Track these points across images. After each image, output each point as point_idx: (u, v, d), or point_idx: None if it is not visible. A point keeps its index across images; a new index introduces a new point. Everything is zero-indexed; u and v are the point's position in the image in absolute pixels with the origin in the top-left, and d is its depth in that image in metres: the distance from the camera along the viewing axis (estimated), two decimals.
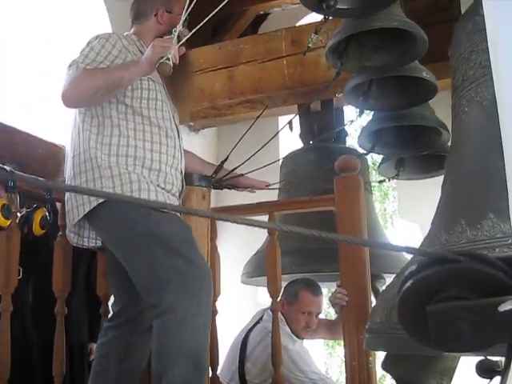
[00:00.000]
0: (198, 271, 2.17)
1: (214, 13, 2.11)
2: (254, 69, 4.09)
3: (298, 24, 5.68)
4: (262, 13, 6.22)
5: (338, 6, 2.52)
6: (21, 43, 4.28)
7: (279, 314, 3.01)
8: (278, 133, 2.88)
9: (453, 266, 0.69)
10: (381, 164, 3.93)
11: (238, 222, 0.79)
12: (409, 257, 4.00)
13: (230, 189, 2.89)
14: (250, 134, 2.88)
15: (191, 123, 4.60)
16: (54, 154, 3.82)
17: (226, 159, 2.73)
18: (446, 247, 1.91)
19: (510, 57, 1.36)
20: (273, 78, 4.00)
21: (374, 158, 7.65)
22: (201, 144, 5.31)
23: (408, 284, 0.71)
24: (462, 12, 3.14)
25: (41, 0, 4.42)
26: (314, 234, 0.76)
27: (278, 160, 3.77)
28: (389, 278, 4.01)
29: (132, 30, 2.68)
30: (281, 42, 4.05)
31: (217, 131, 6.16)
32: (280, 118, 5.41)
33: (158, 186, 2.33)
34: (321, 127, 4.30)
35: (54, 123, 4.11)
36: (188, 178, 2.58)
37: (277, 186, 3.66)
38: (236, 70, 4.15)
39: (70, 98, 2.31)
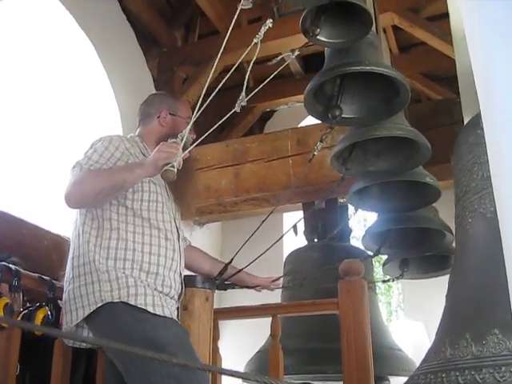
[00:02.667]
0: (195, 378, 2.13)
1: (222, 121, 2.16)
2: (259, 167, 4.16)
3: (303, 122, 5.83)
4: (268, 110, 6.41)
5: (343, 116, 2.59)
6: (32, 136, 4.38)
7: None
8: (282, 236, 2.89)
9: None
10: (385, 264, 3.92)
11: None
12: (414, 359, 3.96)
13: (233, 288, 2.88)
14: (254, 228, 2.87)
15: (196, 218, 4.64)
16: (58, 245, 3.82)
17: (230, 261, 2.72)
18: (452, 362, 1.89)
19: (509, 171, 1.40)
20: (278, 176, 4.06)
21: None
22: (205, 237, 5.34)
23: None
24: (464, 116, 3.23)
25: (53, 99, 4.54)
26: None
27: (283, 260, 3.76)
28: (393, 380, 3.94)
29: (137, 131, 2.73)
30: (286, 141, 4.14)
31: (221, 225, 6.22)
32: (285, 214, 5.45)
33: (155, 289, 2.31)
34: (325, 224, 4.33)
35: (59, 214, 4.15)
36: (191, 280, 2.57)
37: (280, 283, 3.65)
38: (242, 168, 4.22)
39: (74, 199, 2.32)
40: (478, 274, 2.03)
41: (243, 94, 2.09)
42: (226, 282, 2.73)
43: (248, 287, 2.84)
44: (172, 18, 5.79)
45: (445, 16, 3.94)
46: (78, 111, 4.68)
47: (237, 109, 2.09)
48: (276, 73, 2.27)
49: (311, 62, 5.66)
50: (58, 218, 4.21)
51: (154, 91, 5.30)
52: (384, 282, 3.97)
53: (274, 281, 2.91)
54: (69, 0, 4.65)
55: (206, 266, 2.83)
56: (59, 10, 4.62)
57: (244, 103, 2.10)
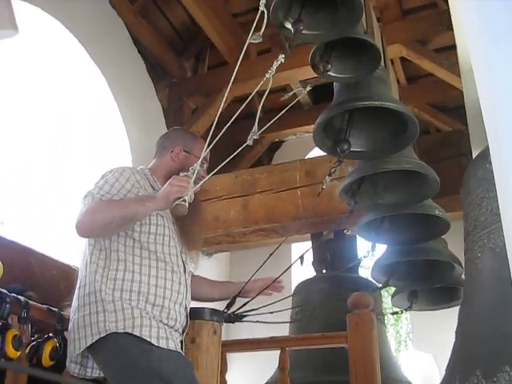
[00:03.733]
0: None
1: (233, 155, 2.17)
2: (268, 198, 4.17)
3: (311, 152, 5.85)
4: (277, 140, 6.44)
5: (351, 149, 2.60)
6: (42, 169, 4.42)
7: None
8: (290, 266, 2.88)
9: None
10: (393, 295, 3.90)
11: None
12: None
13: (241, 321, 2.87)
14: (263, 259, 2.88)
15: (204, 248, 4.64)
16: (67, 275, 3.83)
17: (238, 294, 2.71)
18: None
19: None
20: (287, 207, 4.07)
21: None
22: (213, 268, 5.33)
23: None
24: (472, 148, 3.23)
25: (63, 134, 4.59)
26: None
27: (290, 296, 3.74)
28: None
29: (151, 163, 2.75)
30: (295, 172, 4.15)
31: (229, 255, 6.22)
32: (293, 244, 5.45)
33: (160, 321, 2.31)
34: (333, 255, 4.33)
35: (69, 244, 4.17)
36: (199, 313, 2.56)
37: (289, 313, 3.64)
38: (251, 198, 4.23)
39: (84, 227, 2.33)
40: (488, 310, 2.02)
41: (255, 127, 2.10)
42: (236, 312, 2.72)
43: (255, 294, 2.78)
44: (182, 49, 5.87)
45: (452, 48, 3.98)
46: (89, 142, 4.72)
47: (249, 142, 2.10)
48: (288, 108, 2.30)
49: (320, 92, 5.68)
50: (66, 248, 4.22)
51: (163, 121, 5.36)
52: (393, 314, 3.95)
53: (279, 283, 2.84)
54: (81, 32, 4.73)
55: (205, 290, 2.82)
56: (71, 42, 4.69)
57: (256, 136, 2.12)
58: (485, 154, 2.38)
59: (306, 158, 5.73)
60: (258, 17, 1.95)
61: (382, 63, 2.72)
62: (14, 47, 4.08)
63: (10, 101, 4.20)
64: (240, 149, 2.12)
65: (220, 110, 2.22)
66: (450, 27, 4.14)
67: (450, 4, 3.29)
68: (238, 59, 2.07)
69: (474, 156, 3.07)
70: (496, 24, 1.56)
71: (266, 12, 1.98)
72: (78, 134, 4.66)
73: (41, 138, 4.42)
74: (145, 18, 5.36)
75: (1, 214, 4.21)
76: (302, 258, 2.95)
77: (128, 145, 4.92)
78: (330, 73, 2.48)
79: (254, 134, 2.06)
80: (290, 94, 2.35)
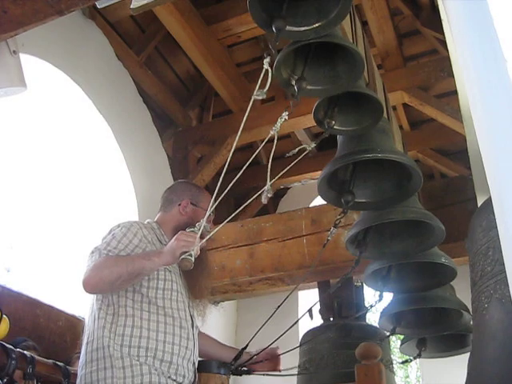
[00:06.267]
0: None
1: (240, 208, 2.19)
2: (274, 247, 4.17)
3: (317, 198, 5.87)
4: (282, 187, 6.47)
5: (356, 200, 2.61)
6: (49, 220, 4.44)
7: None
8: (297, 321, 2.87)
9: None
10: (402, 343, 3.87)
11: None
12: None
13: (248, 374, 2.84)
14: (270, 307, 2.87)
15: (211, 297, 4.63)
16: (73, 326, 3.82)
17: (245, 347, 2.71)
18: None
19: None
20: (293, 256, 4.07)
21: None
22: (220, 316, 5.30)
23: None
24: (476, 194, 3.23)
25: (68, 185, 4.62)
26: None
27: (297, 347, 3.71)
28: None
29: (157, 217, 2.77)
30: (301, 221, 4.17)
31: (236, 304, 6.19)
32: (300, 292, 5.42)
33: (169, 377, 2.31)
34: (340, 303, 4.29)
35: (75, 293, 4.16)
36: (207, 366, 2.55)
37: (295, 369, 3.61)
38: (257, 247, 4.24)
39: (91, 284, 2.34)
40: (497, 363, 2.00)
41: (268, 185, 2.12)
42: (243, 368, 2.71)
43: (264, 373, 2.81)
44: (187, 98, 5.96)
45: (454, 93, 4.02)
46: (95, 192, 4.75)
47: (264, 201, 2.13)
48: (293, 163, 2.32)
49: (324, 139, 5.74)
50: (73, 298, 4.22)
51: (168, 171, 5.40)
52: (402, 363, 3.91)
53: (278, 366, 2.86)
54: (87, 83, 4.80)
55: (214, 351, 2.82)
56: (77, 93, 4.76)
57: (270, 195, 2.14)
58: (489, 204, 2.38)
59: (311, 204, 5.76)
60: (262, 75, 1.99)
61: (385, 114, 2.75)
62: (22, 98, 4.15)
63: (14, 153, 4.25)
64: (247, 202, 2.14)
65: (227, 163, 2.23)
66: (451, 73, 4.19)
67: (449, 51, 3.34)
68: (242, 108, 2.10)
69: (478, 201, 3.07)
70: (490, 75, 1.59)
71: (270, 71, 2.02)
72: (84, 184, 4.69)
73: (46, 191, 4.45)
74: (150, 69, 5.47)
75: (6, 260, 4.23)
76: (310, 311, 2.94)
77: (134, 194, 4.95)
78: (334, 126, 2.51)
79: (268, 192, 2.08)
80: (296, 150, 2.37)
